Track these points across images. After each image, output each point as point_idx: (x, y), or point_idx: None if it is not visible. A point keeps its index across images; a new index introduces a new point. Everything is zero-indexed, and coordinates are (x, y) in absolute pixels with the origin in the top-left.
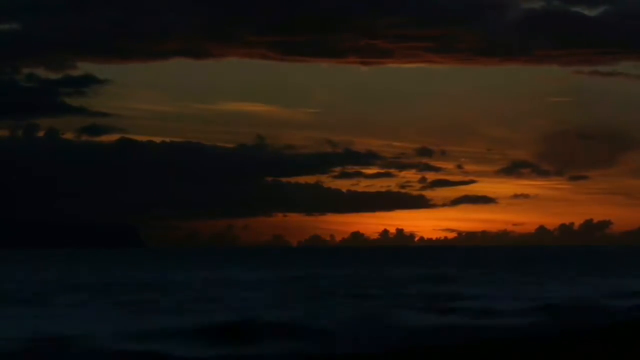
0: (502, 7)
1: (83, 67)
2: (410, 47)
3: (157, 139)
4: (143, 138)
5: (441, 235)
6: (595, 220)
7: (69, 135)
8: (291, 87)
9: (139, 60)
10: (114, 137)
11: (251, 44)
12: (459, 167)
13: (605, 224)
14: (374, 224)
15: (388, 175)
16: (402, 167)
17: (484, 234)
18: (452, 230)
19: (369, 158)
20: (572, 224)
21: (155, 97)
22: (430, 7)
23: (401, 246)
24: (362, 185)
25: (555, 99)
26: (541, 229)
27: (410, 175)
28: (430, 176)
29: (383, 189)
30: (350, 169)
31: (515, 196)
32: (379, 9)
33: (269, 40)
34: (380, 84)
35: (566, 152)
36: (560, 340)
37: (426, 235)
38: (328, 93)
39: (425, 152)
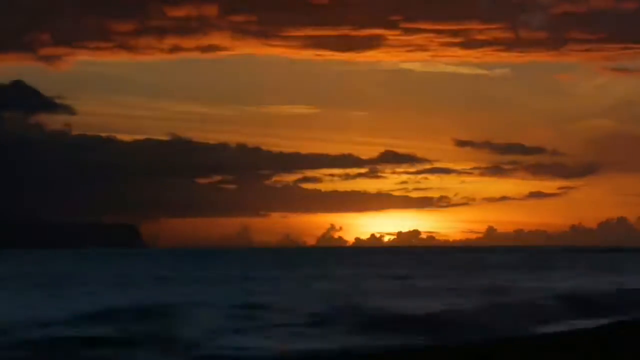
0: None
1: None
2: (438, 43)
3: (156, 138)
4: (141, 137)
5: (464, 236)
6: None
7: (67, 134)
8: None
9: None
10: (114, 135)
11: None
12: (479, 166)
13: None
14: (390, 224)
15: (408, 173)
16: (420, 167)
17: (509, 234)
18: (475, 232)
19: (390, 158)
20: (605, 223)
21: (166, 95)
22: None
23: (423, 247)
24: (381, 186)
25: (583, 97)
26: (571, 229)
27: (430, 175)
28: (449, 176)
29: (400, 190)
30: (369, 169)
31: (538, 196)
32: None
33: (292, 35)
34: (410, 82)
35: (594, 151)
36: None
37: (450, 237)
38: (352, 91)
39: (444, 151)
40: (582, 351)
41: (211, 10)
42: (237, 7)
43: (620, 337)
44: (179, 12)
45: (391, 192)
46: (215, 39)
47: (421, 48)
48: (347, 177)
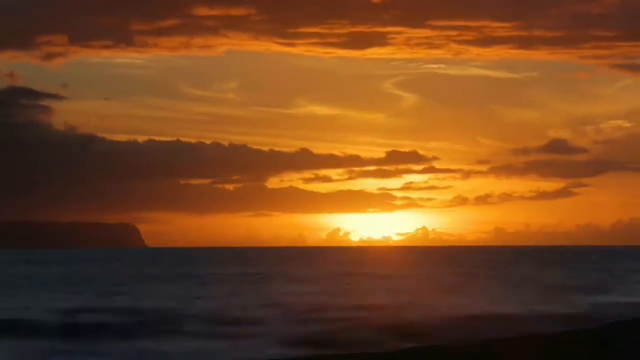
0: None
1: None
2: (453, 41)
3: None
4: (144, 137)
5: (474, 236)
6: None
7: (68, 133)
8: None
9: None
10: (115, 136)
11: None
12: (490, 166)
13: None
14: (398, 224)
15: (417, 173)
16: (429, 166)
17: (519, 234)
18: (484, 232)
19: (399, 158)
20: (619, 222)
21: (169, 94)
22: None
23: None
24: (389, 186)
25: (596, 95)
26: (582, 229)
27: (439, 175)
28: (459, 176)
29: (409, 189)
30: (377, 169)
31: (549, 196)
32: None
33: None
34: (421, 82)
35: (607, 151)
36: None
37: (459, 237)
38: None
39: (453, 151)
40: (581, 350)
41: (216, 10)
42: (245, 6)
43: (620, 337)
44: (185, 12)
45: (400, 192)
46: (219, 38)
47: (435, 46)
48: (355, 176)
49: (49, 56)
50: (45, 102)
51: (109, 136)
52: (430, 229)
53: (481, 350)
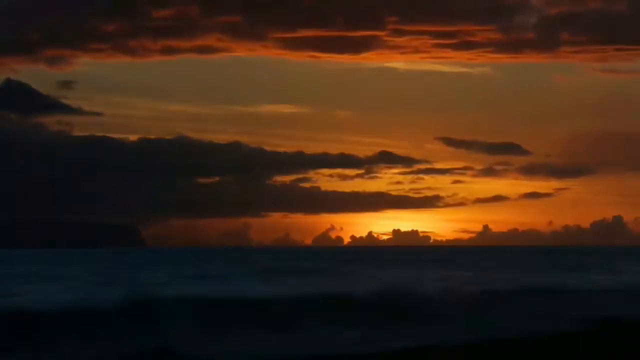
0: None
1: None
2: (430, 44)
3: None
4: (140, 137)
5: (457, 236)
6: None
7: (67, 134)
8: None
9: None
10: (114, 135)
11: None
12: (473, 167)
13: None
14: (385, 224)
15: (403, 174)
16: (416, 167)
17: (503, 234)
18: (469, 232)
19: (385, 159)
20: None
21: (165, 95)
22: (446, 2)
23: (416, 247)
24: (376, 186)
25: (575, 97)
26: (565, 229)
27: (424, 176)
28: (443, 177)
29: (396, 190)
30: (365, 170)
31: (531, 196)
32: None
33: (282, 36)
34: (404, 83)
35: (586, 153)
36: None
37: (443, 236)
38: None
39: (438, 152)
40: (578, 350)
41: (205, 11)
42: (230, 8)
43: (614, 337)
44: (174, 12)
45: (387, 192)
46: (210, 40)
47: (413, 49)
48: (345, 177)
49: (46, 59)
50: (43, 103)
51: (108, 136)
52: (417, 229)
53: (475, 350)
